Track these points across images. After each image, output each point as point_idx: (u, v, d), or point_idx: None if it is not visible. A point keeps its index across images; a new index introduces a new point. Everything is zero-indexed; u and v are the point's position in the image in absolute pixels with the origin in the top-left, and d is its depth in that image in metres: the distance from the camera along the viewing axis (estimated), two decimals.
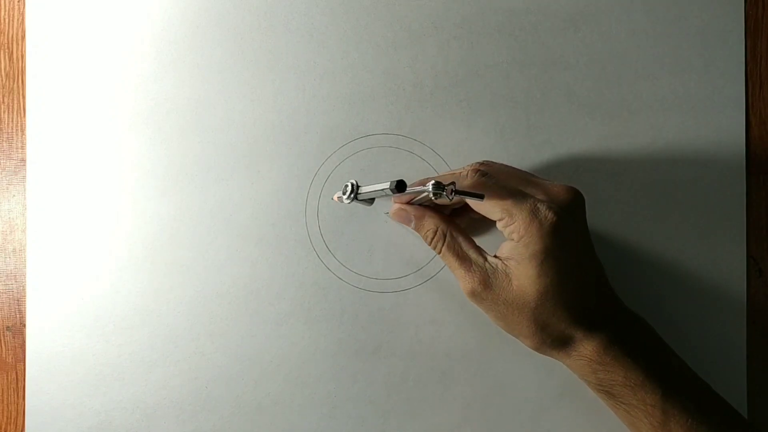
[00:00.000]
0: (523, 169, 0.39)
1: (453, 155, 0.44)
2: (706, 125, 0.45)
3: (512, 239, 0.36)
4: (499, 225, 0.36)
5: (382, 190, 0.36)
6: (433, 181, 0.34)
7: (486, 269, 0.36)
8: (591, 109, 0.45)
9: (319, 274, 0.44)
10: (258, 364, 0.44)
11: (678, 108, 0.45)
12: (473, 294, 0.37)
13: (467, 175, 0.37)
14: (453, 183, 0.34)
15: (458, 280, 0.38)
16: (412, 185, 0.37)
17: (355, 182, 0.39)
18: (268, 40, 0.45)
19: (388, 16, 0.45)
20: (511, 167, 0.39)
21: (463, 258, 0.37)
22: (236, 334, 0.44)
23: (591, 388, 0.38)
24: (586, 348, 0.36)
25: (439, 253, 0.39)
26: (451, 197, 0.34)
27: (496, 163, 0.39)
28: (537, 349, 0.37)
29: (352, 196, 0.39)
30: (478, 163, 0.39)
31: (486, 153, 0.44)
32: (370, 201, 0.41)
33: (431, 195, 0.34)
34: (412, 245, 0.44)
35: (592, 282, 0.37)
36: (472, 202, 0.37)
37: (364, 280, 0.44)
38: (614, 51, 0.45)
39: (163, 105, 0.45)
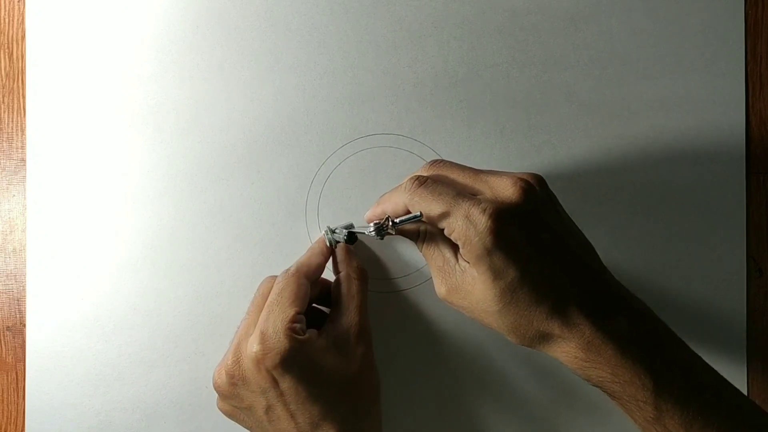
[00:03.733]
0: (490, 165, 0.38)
1: (453, 155, 0.44)
2: (706, 125, 0.45)
3: (459, 245, 0.35)
4: (445, 233, 0.36)
5: (343, 238, 0.41)
6: (372, 227, 0.37)
7: (456, 271, 0.36)
8: (591, 109, 0.45)
9: None
10: None
11: (678, 108, 0.45)
12: (442, 296, 0.37)
13: (405, 188, 0.37)
14: (389, 218, 0.37)
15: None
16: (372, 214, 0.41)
17: (328, 228, 0.43)
18: (268, 40, 0.45)
19: (388, 16, 0.45)
20: (459, 166, 0.38)
21: (437, 258, 0.37)
22: None
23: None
24: (569, 344, 0.34)
25: (421, 251, 0.39)
26: (393, 232, 0.37)
27: (445, 162, 0.38)
28: (522, 345, 0.36)
29: (335, 242, 0.42)
30: (429, 162, 0.38)
31: (486, 153, 0.44)
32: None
33: (378, 238, 0.37)
34: (412, 245, 0.44)
35: (562, 273, 0.35)
36: (423, 218, 0.37)
37: None
38: (614, 51, 0.45)
39: (163, 105, 0.45)
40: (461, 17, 0.45)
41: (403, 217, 0.37)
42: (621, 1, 0.45)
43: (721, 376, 0.36)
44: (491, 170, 0.37)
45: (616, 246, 0.44)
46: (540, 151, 0.44)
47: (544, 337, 0.35)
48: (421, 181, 0.36)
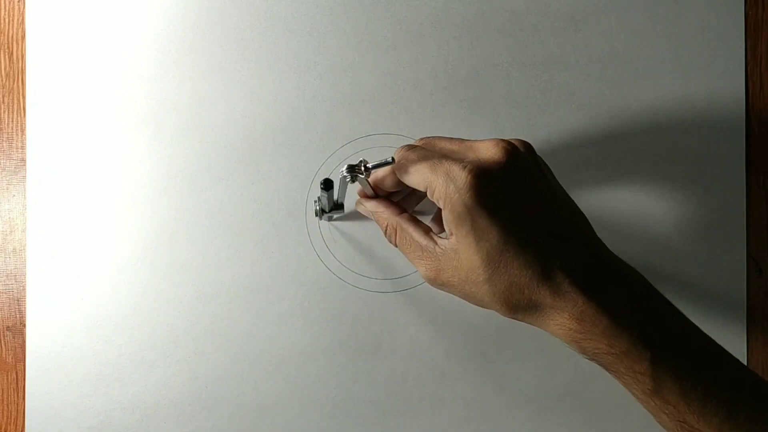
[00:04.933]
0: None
1: None
2: (706, 125, 0.45)
3: (441, 207, 0.35)
4: (428, 197, 0.36)
5: (321, 187, 0.39)
6: (345, 168, 0.36)
7: (436, 254, 0.36)
8: (591, 109, 0.45)
9: (319, 274, 0.44)
10: (258, 364, 0.44)
11: (678, 108, 0.45)
12: (430, 281, 0.37)
13: (394, 154, 0.37)
14: (363, 160, 0.36)
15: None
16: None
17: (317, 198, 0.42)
18: (268, 40, 0.45)
19: (388, 16, 0.45)
20: (447, 137, 0.38)
21: (414, 248, 0.37)
22: (236, 334, 0.44)
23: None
24: (562, 315, 0.33)
25: (396, 246, 0.39)
26: (365, 174, 0.36)
27: (434, 136, 0.39)
28: (514, 319, 0.35)
29: (321, 211, 0.42)
30: (418, 139, 0.39)
31: None
32: (335, 207, 0.43)
33: (348, 180, 0.36)
34: None
35: (549, 238, 0.34)
36: (405, 180, 0.37)
37: (364, 280, 0.44)
38: (614, 51, 0.45)
39: (163, 105, 0.45)
40: (461, 17, 0.45)
41: (376, 162, 0.36)
42: (621, 1, 0.45)
43: (721, 347, 0.35)
44: (478, 140, 0.38)
45: (616, 246, 0.44)
46: (540, 151, 0.44)
47: (536, 307, 0.34)
48: (409, 147, 0.37)
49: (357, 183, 0.37)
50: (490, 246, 0.33)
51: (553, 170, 0.41)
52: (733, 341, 0.44)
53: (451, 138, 0.38)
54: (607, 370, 0.34)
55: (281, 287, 0.44)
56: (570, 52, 0.45)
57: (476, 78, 0.45)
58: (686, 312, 0.44)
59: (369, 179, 0.38)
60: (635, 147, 0.45)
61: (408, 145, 0.37)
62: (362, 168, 0.36)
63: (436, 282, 0.36)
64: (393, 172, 0.38)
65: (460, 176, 0.33)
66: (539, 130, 0.45)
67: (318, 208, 0.43)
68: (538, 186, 0.35)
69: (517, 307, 0.34)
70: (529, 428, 0.44)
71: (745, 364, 0.44)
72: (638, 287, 0.35)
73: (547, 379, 0.44)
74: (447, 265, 0.35)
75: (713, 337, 0.45)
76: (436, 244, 0.36)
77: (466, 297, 0.36)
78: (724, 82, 0.45)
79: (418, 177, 0.35)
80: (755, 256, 0.45)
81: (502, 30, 0.45)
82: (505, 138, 0.36)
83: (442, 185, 0.34)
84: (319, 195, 0.43)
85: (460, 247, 0.34)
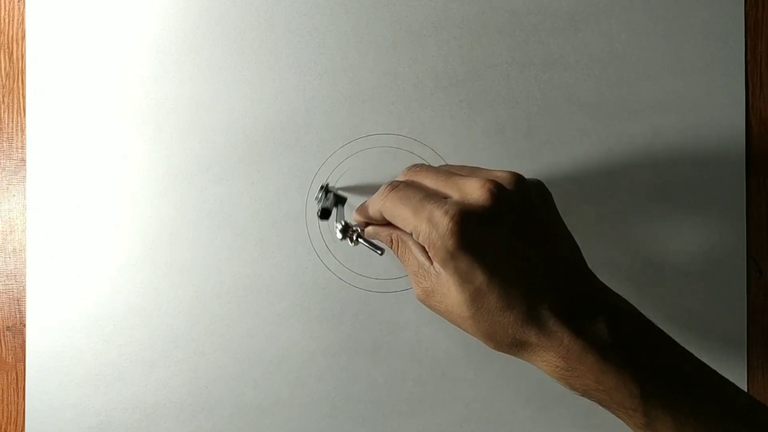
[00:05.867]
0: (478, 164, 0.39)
1: (453, 155, 0.44)
2: (707, 125, 0.45)
3: (427, 249, 0.34)
4: (414, 238, 0.35)
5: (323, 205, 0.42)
6: (340, 224, 0.39)
7: (431, 274, 0.35)
8: (591, 110, 0.45)
9: (319, 274, 0.44)
10: (258, 364, 0.44)
11: (678, 108, 0.45)
12: (420, 300, 0.36)
13: (380, 193, 0.36)
14: (358, 230, 0.39)
15: None
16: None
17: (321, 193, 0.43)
18: (268, 40, 0.45)
19: (388, 16, 0.45)
20: (434, 169, 0.37)
21: (413, 263, 0.36)
22: (236, 334, 0.44)
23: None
24: (548, 353, 0.33)
25: (396, 256, 0.38)
26: (352, 244, 0.39)
27: (422, 166, 0.38)
28: (501, 352, 0.35)
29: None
30: (407, 168, 0.38)
31: (486, 153, 0.44)
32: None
33: (338, 234, 0.39)
34: None
35: (536, 278, 0.33)
36: (392, 222, 0.36)
37: (364, 280, 0.44)
38: (614, 51, 0.45)
39: (163, 105, 0.45)
40: (461, 17, 0.45)
41: (367, 243, 0.39)
42: (621, 1, 0.45)
43: (714, 371, 0.35)
44: (470, 169, 0.37)
45: (616, 246, 0.44)
46: (540, 151, 0.44)
47: (521, 345, 0.34)
48: (393, 186, 0.36)
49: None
50: (473, 288, 0.33)
51: (553, 171, 0.41)
52: (733, 342, 0.44)
53: (438, 171, 0.37)
54: (600, 404, 0.34)
55: (281, 287, 0.44)
56: (570, 52, 0.45)
57: (476, 78, 0.45)
58: (686, 313, 0.44)
59: (361, 216, 0.39)
60: (635, 147, 0.44)
61: (392, 183, 0.36)
62: (354, 237, 0.39)
63: (425, 303, 0.36)
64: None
65: (442, 222, 0.33)
66: (539, 131, 0.45)
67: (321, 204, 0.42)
68: (527, 224, 0.34)
69: (502, 344, 0.34)
70: (529, 428, 0.44)
71: (745, 364, 0.44)
72: (629, 320, 0.34)
73: (547, 379, 0.44)
74: (438, 290, 0.35)
75: (713, 338, 0.45)
76: (431, 265, 0.35)
77: (453, 324, 0.36)
78: (724, 82, 0.45)
79: (401, 221, 0.35)
80: (755, 256, 0.45)
81: (502, 30, 0.45)
82: (495, 173, 0.35)
83: (425, 230, 0.33)
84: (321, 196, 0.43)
85: (450, 282, 0.34)
